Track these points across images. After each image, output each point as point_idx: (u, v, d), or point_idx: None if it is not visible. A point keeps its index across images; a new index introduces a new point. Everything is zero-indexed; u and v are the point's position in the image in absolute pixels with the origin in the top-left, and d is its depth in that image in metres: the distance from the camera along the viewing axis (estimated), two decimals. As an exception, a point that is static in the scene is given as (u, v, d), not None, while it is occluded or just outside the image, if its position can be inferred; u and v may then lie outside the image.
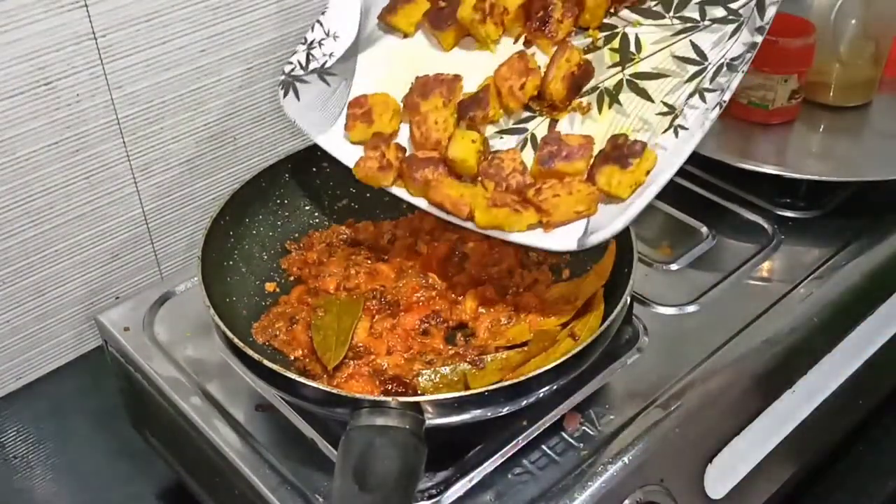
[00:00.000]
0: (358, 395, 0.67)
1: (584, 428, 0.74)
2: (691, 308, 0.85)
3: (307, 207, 0.90)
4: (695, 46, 0.76)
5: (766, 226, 0.95)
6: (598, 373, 0.77)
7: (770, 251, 0.92)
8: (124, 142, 0.89)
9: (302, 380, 0.66)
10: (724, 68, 0.74)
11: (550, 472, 0.71)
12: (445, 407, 0.65)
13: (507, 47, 0.82)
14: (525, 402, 0.68)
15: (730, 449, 0.80)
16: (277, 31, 0.96)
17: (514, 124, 0.79)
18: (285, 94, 0.83)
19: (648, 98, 0.76)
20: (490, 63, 0.80)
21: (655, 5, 0.80)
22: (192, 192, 0.98)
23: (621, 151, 0.71)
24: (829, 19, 1.02)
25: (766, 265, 0.90)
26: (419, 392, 0.72)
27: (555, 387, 0.68)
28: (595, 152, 0.74)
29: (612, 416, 0.75)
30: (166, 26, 0.87)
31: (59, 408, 0.92)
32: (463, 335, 0.78)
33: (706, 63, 0.75)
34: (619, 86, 0.77)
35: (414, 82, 0.80)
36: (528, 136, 0.78)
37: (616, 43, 0.79)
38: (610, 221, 0.70)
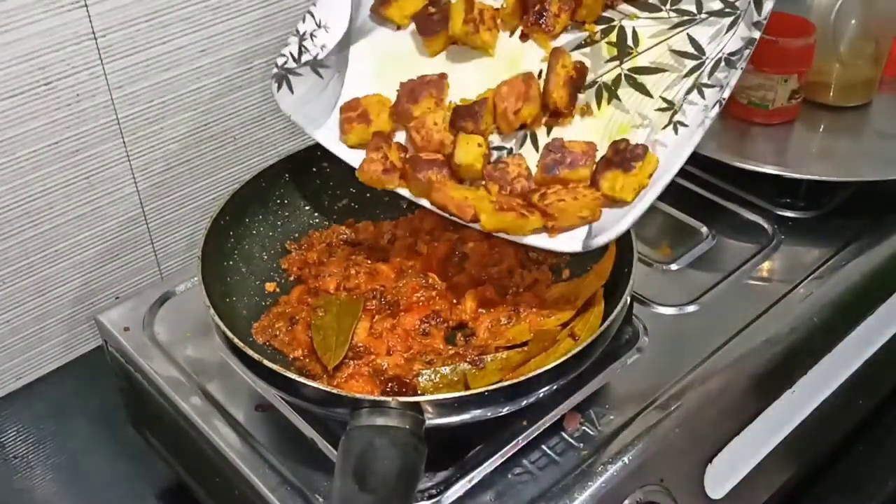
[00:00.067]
0: (358, 395, 0.67)
1: (584, 428, 0.74)
2: (691, 308, 0.85)
3: (307, 207, 0.90)
4: (692, 40, 0.76)
5: (766, 226, 0.95)
6: (598, 373, 0.76)
7: (770, 251, 0.92)
8: (124, 142, 0.89)
9: (302, 380, 0.66)
10: (722, 63, 0.74)
11: (550, 472, 0.71)
12: (445, 407, 0.65)
13: (504, 41, 0.81)
14: (525, 402, 0.68)
15: (730, 449, 0.80)
16: (277, 31, 0.96)
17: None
18: (279, 88, 0.83)
19: (647, 93, 0.76)
20: (483, 59, 0.79)
21: None
22: (192, 192, 0.98)
23: (624, 156, 0.72)
24: (829, 19, 1.02)
25: (765, 265, 0.90)
26: (419, 392, 0.72)
27: (555, 387, 0.68)
28: (597, 158, 0.74)
29: (612, 416, 0.75)
30: (166, 26, 0.87)
31: (58, 408, 0.92)
32: (463, 335, 0.78)
33: (704, 57, 0.75)
34: (617, 80, 0.77)
35: (399, 89, 0.80)
36: (528, 133, 0.78)
37: (613, 36, 0.79)
38: (614, 223, 0.70)
